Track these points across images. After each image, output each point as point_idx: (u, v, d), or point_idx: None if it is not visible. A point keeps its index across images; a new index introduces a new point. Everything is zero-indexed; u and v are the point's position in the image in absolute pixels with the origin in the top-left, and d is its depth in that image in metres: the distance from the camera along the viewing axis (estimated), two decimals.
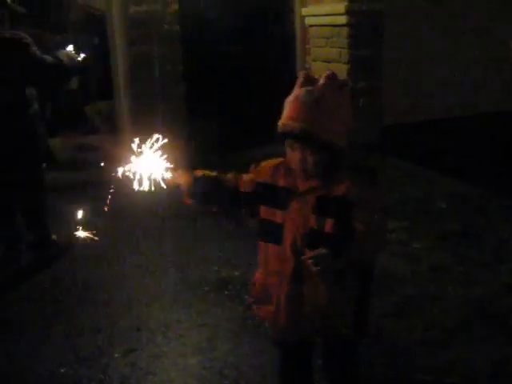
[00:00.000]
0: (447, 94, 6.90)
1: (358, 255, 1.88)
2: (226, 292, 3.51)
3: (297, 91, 1.93)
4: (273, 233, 2.02)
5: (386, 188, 5.05)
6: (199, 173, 2.05)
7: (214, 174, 2.08)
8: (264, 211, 2.05)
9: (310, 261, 1.79)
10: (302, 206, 1.96)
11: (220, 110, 6.00)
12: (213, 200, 2.09)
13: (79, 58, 3.95)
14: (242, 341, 3.02)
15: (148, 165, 2.00)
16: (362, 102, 6.15)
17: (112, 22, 5.64)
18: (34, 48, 3.65)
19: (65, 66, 3.79)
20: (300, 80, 1.96)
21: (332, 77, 1.94)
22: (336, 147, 1.92)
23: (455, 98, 6.91)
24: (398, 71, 6.66)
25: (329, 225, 1.91)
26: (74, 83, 6.31)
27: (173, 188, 2.02)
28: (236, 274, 3.70)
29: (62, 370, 2.86)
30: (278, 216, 2.00)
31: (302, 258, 1.84)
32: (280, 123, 1.94)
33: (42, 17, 6.77)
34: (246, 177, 2.11)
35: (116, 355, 2.96)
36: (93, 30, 6.53)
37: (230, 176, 2.11)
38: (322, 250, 1.79)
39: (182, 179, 2.01)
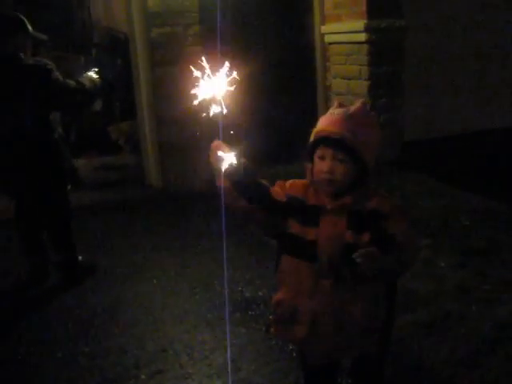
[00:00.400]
0: (470, 108, 6.90)
1: (397, 265, 1.94)
2: (250, 312, 3.53)
3: (331, 110, 2.04)
4: (306, 249, 1.99)
5: (409, 205, 5.04)
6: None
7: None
8: (294, 226, 2.03)
9: (362, 258, 1.82)
10: (335, 222, 1.98)
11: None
12: (249, 193, 1.99)
13: (100, 81, 4.02)
14: (266, 361, 3.03)
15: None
16: (383, 119, 6.17)
17: (135, 44, 5.74)
18: (57, 73, 3.73)
19: (88, 90, 3.87)
20: (334, 105, 2.07)
21: (363, 102, 2.06)
22: (365, 162, 1.98)
23: (477, 112, 6.91)
24: (420, 87, 6.68)
25: (365, 239, 1.94)
26: (97, 105, 6.41)
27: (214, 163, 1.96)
28: (260, 294, 3.71)
29: None
30: (309, 233, 1.99)
31: (354, 255, 1.83)
32: (314, 131, 2.02)
33: (67, 39, 6.91)
34: (276, 187, 2.10)
35: (142, 377, 2.98)
36: (116, 52, 6.64)
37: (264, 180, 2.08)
38: (373, 249, 1.84)
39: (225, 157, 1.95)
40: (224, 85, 1.89)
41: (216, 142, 1.94)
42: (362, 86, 6.19)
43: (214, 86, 1.88)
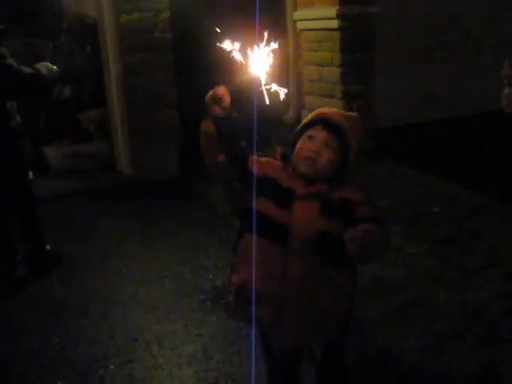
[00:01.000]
0: (441, 95, 6.94)
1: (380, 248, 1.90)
2: (221, 301, 3.50)
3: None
4: (277, 232, 1.96)
5: (380, 192, 5.07)
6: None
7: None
8: (266, 206, 1.99)
9: (358, 236, 1.73)
10: (309, 207, 1.95)
11: None
12: (232, 148, 2.03)
13: (57, 70, 3.93)
14: (237, 350, 3.03)
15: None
16: (355, 106, 6.17)
17: (104, 30, 5.64)
18: (10, 60, 3.63)
19: (43, 76, 3.77)
20: None
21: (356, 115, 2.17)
22: (351, 154, 2.02)
23: (449, 100, 6.95)
24: (392, 73, 6.69)
25: (338, 226, 1.92)
26: (66, 92, 6.31)
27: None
28: None
29: (59, 383, 2.87)
30: (282, 216, 1.96)
31: (348, 234, 1.74)
32: (315, 112, 2.09)
33: (35, 25, 6.76)
34: (250, 161, 2.08)
35: (112, 367, 2.96)
36: (86, 38, 6.51)
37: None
38: (370, 224, 1.78)
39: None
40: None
41: (223, 89, 1.99)
42: (335, 72, 6.17)
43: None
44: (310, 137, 2.01)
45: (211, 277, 3.81)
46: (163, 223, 4.74)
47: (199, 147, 2.07)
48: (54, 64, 4.00)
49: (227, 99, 1.99)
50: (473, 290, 3.48)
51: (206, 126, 2.02)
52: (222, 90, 1.98)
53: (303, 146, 2.01)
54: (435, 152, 5.96)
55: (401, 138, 6.41)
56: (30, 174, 3.95)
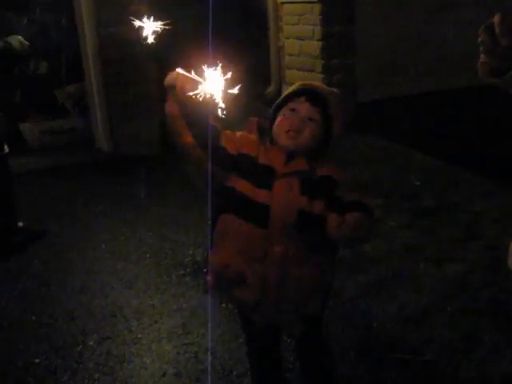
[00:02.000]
0: (421, 69, 6.91)
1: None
2: (200, 276, 3.49)
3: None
4: (256, 213, 1.88)
5: (361, 166, 5.06)
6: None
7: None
8: (244, 186, 1.90)
9: (349, 225, 1.77)
10: (289, 186, 1.88)
11: None
12: (200, 128, 1.84)
13: (28, 44, 3.85)
14: (216, 324, 3.00)
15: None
16: (336, 80, 6.13)
17: (79, 3, 5.52)
18: None
19: (14, 50, 3.69)
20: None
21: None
22: (334, 128, 1.94)
23: (429, 73, 6.92)
24: (372, 47, 6.64)
25: (320, 205, 1.86)
26: (42, 67, 6.19)
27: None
28: None
29: (37, 361, 2.83)
30: (261, 195, 1.88)
31: (333, 221, 1.77)
32: (297, 84, 2.00)
33: None
34: (224, 137, 1.94)
35: (90, 343, 2.93)
36: (61, 11, 6.39)
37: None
38: (359, 214, 1.80)
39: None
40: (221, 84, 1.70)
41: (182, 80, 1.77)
42: (315, 46, 6.11)
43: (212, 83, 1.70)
44: (292, 109, 1.92)
45: (191, 252, 3.78)
46: (142, 199, 4.69)
47: None
48: (28, 38, 3.93)
49: (190, 86, 1.74)
50: (452, 262, 3.48)
51: (171, 108, 1.88)
52: (181, 81, 1.77)
53: (285, 118, 1.92)
54: (416, 125, 5.94)
55: (380, 112, 6.39)
56: (6, 148, 3.87)
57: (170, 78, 1.81)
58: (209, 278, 2.03)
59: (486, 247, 3.61)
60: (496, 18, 1.35)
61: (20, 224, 4.03)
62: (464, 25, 6.38)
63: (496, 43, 1.35)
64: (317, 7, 5.97)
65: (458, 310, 3.03)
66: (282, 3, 6.46)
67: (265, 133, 2.01)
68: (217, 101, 1.67)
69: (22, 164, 5.33)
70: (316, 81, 5.98)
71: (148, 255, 3.79)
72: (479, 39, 1.39)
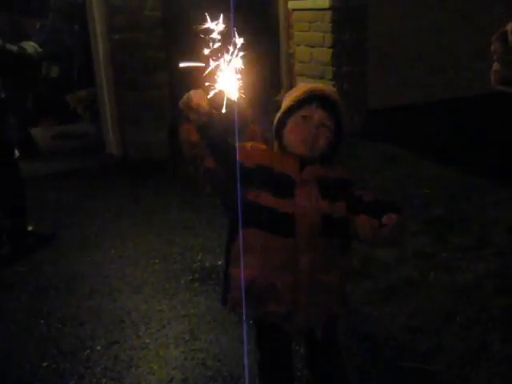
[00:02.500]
0: (433, 77, 6.89)
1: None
2: (209, 282, 3.48)
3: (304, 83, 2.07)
4: (281, 223, 1.87)
5: (371, 173, 5.04)
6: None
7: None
8: (265, 198, 1.89)
9: (390, 227, 1.73)
10: (309, 192, 1.89)
11: None
12: (219, 150, 1.84)
13: (41, 50, 3.88)
14: (224, 331, 3.00)
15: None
16: (346, 87, 6.13)
17: (92, 9, 5.56)
18: None
19: (28, 55, 3.73)
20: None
21: None
22: (343, 135, 1.96)
23: (440, 81, 6.90)
24: (383, 55, 6.64)
25: (341, 208, 1.88)
26: (54, 72, 6.22)
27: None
28: (219, 263, 3.66)
29: (44, 364, 2.82)
30: (284, 205, 1.87)
31: (384, 220, 1.73)
32: (306, 89, 1.96)
33: (23, 3, 6.66)
34: (239, 150, 1.90)
35: (98, 348, 2.93)
36: (74, 17, 6.42)
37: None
38: (396, 215, 1.75)
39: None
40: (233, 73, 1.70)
41: (197, 98, 1.77)
42: (326, 53, 6.12)
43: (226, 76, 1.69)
44: (304, 116, 1.91)
45: (199, 257, 3.78)
46: (152, 204, 4.70)
47: None
48: (41, 43, 3.97)
49: (204, 106, 1.78)
50: (463, 270, 3.46)
51: (188, 132, 1.83)
52: (197, 98, 1.77)
53: (298, 126, 1.91)
54: (426, 133, 5.93)
55: (391, 120, 6.37)
56: (17, 153, 3.89)
57: (184, 99, 1.80)
58: (233, 295, 1.99)
59: (496, 256, 3.59)
60: (509, 26, 1.34)
61: (30, 228, 4.04)
62: (477, 33, 6.39)
63: (509, 52, 1.34)
64: (328, 14, 5.97)
65: (469, 319, 3.00)
66: (293, 10, 6.47)
67: (268, 140, 2.01)
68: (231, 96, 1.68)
69: (33, 168, 5.35)
70: (323, 83, 5.99)
71: (157, 260, 3.79)
72: (491, 47, 1.37)
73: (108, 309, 3.27)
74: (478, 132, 5.73)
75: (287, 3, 6.51)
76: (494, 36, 1.37)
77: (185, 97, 1.79)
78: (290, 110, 1.96)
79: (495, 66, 1.42)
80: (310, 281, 1.92)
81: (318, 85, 2.08)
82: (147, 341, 2.96)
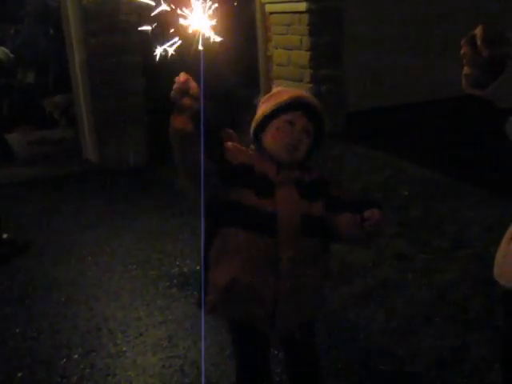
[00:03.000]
0: (409, 79, 6.93)
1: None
2: (186, 287, 3.46)
3: (283, 87, 2.14)
4: (263, 223, 1.87)
5: (351, 176, 5.06)
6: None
7: None
8: (248, 197, 1.88)
9: (372, 221, 1.77)
10: (289, 193, 1.90)
11: None
12: (209, 142, 1.77)
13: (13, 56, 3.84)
14: (202, 337, 2.98)
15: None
16: (324, 89, 6.14)
17: (67, 14, 5.51)
18: None
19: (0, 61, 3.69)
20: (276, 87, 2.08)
21: None
22: (323, 139, 2.00)
23: (417, 83, 6.95)
24: (361, 57, 6.66)
25: (319, 207, 1.91)
26: (30, 77, 6.17)
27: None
28: (198, 268, 3.64)
29: (20, 374, 2.78)
30: (265, 205, 1.87)
31: (367, 215, 1.77)
32: (292, 95, 1.96)
33: None
34: (227, 148, 1.92)
35: (75, 356, 2.89)
36: (49, 22, 6.37)
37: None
38: (378, 210, 1.80)
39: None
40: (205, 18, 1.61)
41: (184, 76, 1.75)
42: (303, 56, 6.13)
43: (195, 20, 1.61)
44: (289, 122, 1.92)
45: (177, 263, 3.75)
46: (129, 210, 4.66)
47: (167, 134, 1.88)
48: (16, 48, 3.93)
49: (193, 84, 1.77)
50: (440, 271, 3.48)
51: (180, 122, 1.77)
52: (183, 77, 1.76)
53: (282, 131, 1.92)
54: (404, 136, 5.96)
55: (370, 122, 6.40)
56: None
57: (176, 86, 1.76)
58: (211, 297, 1.95)
59: (473, 257, 3.60)
60: (478, 30, 1.34)
61: (4, 236, 3.99)
62: (452, 36, 6.43)
63: (478, 55, 1.34)
64: (305, 17, 5.99)
65: (446, 320, 3.02)
66: (271, 13, 6.48)
67: (244, 142, 2.01)
68: (205, 33, 1.62)
69: (9, 175, 5.30)
70: (304, 90, 6.00)
71: (134, 266, 3.76)
72: (462, 51, 1.38)
73: (84, 317, 3.23)
74: (456, 134, 5.77)
75: (264, 6, 6.51)
76: (463, 40, 1.38)
77: (174, 84, 1.76)
78: (274, 114, 1.95)
79: (465, 69, 1.42)
80: (290, 280, 1.91)
81: (303, 92, 2.09)
82: (124, 348, 2.93)
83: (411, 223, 4.13)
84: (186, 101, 1.76)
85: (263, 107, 2.01)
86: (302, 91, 2.10)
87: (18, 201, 4.90)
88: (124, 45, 5.49)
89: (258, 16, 6.62)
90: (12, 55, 3.82)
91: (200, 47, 1.61)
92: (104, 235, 4.25)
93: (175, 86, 1.76)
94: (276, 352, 2.64)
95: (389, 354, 2.80)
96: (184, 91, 1.76)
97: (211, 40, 1.62)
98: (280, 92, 2.05)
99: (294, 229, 1.89)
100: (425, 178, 5.03)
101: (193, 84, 1.76)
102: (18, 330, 3.13)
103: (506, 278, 1.67)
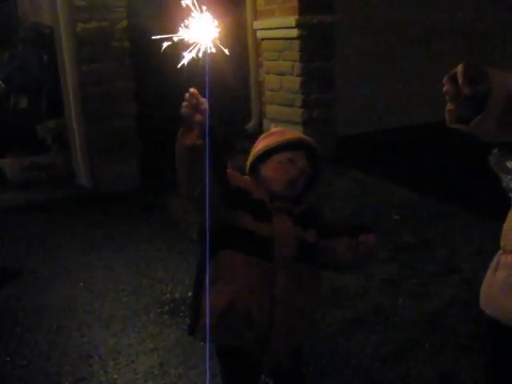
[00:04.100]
0: (398, 104, 7.01)
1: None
2: (179, 313, 3.46)
3: (279, 128, 2.32)
4: (261, 246, 1.91)
5: (342, 200, 5.09)
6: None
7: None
8: (245, 221, 1.92)
9: (368, 243, 1.91)
10: (284, 219, 1.97)
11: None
12: (216, 159, 1.78)
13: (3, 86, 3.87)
14: (194, 364, 2.97)
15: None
16: (316, 114, 6.20)
17: (60, 40, 5.56)
18: None
19: None
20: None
21: None
22: (317, 182, 2.13)
23: (408, 107, 7.01)
24: (352, 82, 6.74)
25: (313, 235, 2.00)
26: (22, 103, 6.19)
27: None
28: (190, 294, 3.64)
29: None
30: (263, 229, 1.92)
31: (362, 239, 1.90)
32: (297, 136, 2.11)
33: None
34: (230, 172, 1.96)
35: None
36: (42, 48, 6.41)
37: None
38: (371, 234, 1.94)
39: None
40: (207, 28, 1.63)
41: (194, 90, 1.75)
42: (295, 81, 6.19)
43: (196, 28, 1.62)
44: (292, 160, 2.03)
45: (169, 289, 3.75)
46: (122, 236, 4.66)
47: (160, 159, 1.92)
48: (9, 73, 3.95)
49: (203, 99, 1.76)
50: (431, 296, 3.49)
51: (191, 138, 1.75)
52: (194, 91, 1.75)
53: (283, 167, 2.02)
54: (395, 160, 6.00)
55: (360, 146, 6.45)
56: None
57: (187, 101, 1.75)
58: (204, 323, 1.92)
59: (464, 282, 3.63)
60: (459, 68, 1.38)
61: None
62: (442, 60, 6.52)
63: (460, 92, 1.38)
64: (296, 44, 6.06)
65: (437, 346, 3.03)
66: (262, 39, 6.55)
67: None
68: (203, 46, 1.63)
69: (1, 200, 5.30)
70: (296, 116, 6.06)
71: (126, 293, 3.75)
72: (444, 88, 1.42)
73: (76, 344, 3.22)
74: (445, 157, 5.81)
75: (256, 32, 6.59)
76: (445, 78, 1.42)
77: (187, 99, 1.75)
78: (278, 149, 2.05)
79: (448, 105, 1.46)
80: (284, 305, 1.93)
81: (305, 136, 2.16)
82: (115, 376, 2.92)
83: (402, 248, 4.15)
84: (198, 117, 1.74)
85: (266, 141, 2.10)
86: (304, 136, 2.19)
87: (9, 226, 4.89)
88: (117, 70, 5.53)
89: (250, 42, 6.68)
90: (3, 85, 3.83)
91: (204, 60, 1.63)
92: (96, 261, 4.24)
93: (186, 103, 1.75)
94: (266, 380, 2.64)
95: (380, 380, 2.81)
96: (195, 107, 1.74)
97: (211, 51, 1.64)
98: (284, 131, 2.18)
99: (290, 254, 1.94)
100: (415, 201, 5.06)
101: (203, 99, 1.76)
102: (8, 359, 3.11)
103: (492, 308, 1.69)
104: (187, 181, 1.83)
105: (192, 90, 1.76)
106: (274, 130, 2.27)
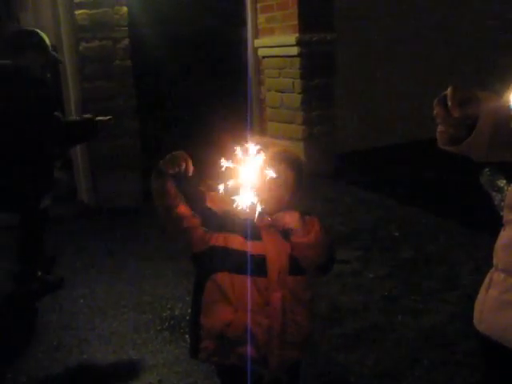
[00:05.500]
0: (399, 120, 7.06)
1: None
2: (179, 330, 3.47)
3: None
4: (254, 265, 1.93)
5: (342, 217, 5.11)
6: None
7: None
8: (234, 241, 1.96)
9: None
10: (273, 235, 1.99)
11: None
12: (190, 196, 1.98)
13: None
14: (193, 381, 2.98)
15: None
16: (316, 131, 6.25)
17: (63, 58, 5.61)
18: None
19: None
20: None
21: None
22: (299, 194, 2.09)
23: (407, 124, 7.06)
24: (352, 99, 6.79)
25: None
26: None
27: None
28: (189, 311, 3.65)
29: None
30: (254, 247, 1.95)
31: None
32: (278, 149, 2.05)
33: None
34: (208, 195, 2.02)
35: None
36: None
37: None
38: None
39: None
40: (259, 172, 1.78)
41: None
42: (295, 98, 6.25)
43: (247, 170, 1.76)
44: (276, 176, 1.95)
45: (169, 306, 3.76)
46: (123, 253, 4.68)
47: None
48: None
49: (192, 167, 1.89)
50: (430, 313, 3.50)
51: (164, 185, 1.95)
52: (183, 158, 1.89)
53: (269, 185, 1.95)
54: (394, 176, 6.03)
55: (360, 163, 6.49)
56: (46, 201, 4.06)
57: (170, 159, 1.89)
58: (205, 345, 2.00)
59: (462, 298, 3.63)
60: (448, 91, 1.41)
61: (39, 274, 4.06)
62: (440, 76, 6.58)
63: (449, 115, 1.41)
64: (296, 61, 6.13)
65: (435, 362, 3.03)
66: (263, 57, 6.62)
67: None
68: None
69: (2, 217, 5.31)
70: (296, 133, 6.10)
71: (126, 309, 3.77)
72: (434, 111, 1.45)
73: (76, 360, 3.23)
74: (444, 173, 5.83)
75: (257, 50, 6.65)
76: (435, 101, 1.45)
77: (168, 162, 1.89)
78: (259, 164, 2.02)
79: (439, 128, 1.49)
80: (281, 320, 1.97)
81: (289, 148, 2.15)
82: None
83: (401, 264, 4.17)
84: (174, 168, 1.87)
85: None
86: (292, 149, 2.17)
87: (10, 242, 4.90)
88: (119, 89, 5.59)
89: (251, 60, 6.75)
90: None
91: None
92: (97, 278, 4.26)
93: (167, 161, 1.89)
94: None
95: None
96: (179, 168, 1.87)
97: None
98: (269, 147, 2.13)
99: (282, 268, 1.97)
100: (415, 218, 5.08)
101: (192, 167, 1.88)
102: (9, 375, 3.13)
103: (484, 325, 1.71)
104: (166, 217, 2.03)
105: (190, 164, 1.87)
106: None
